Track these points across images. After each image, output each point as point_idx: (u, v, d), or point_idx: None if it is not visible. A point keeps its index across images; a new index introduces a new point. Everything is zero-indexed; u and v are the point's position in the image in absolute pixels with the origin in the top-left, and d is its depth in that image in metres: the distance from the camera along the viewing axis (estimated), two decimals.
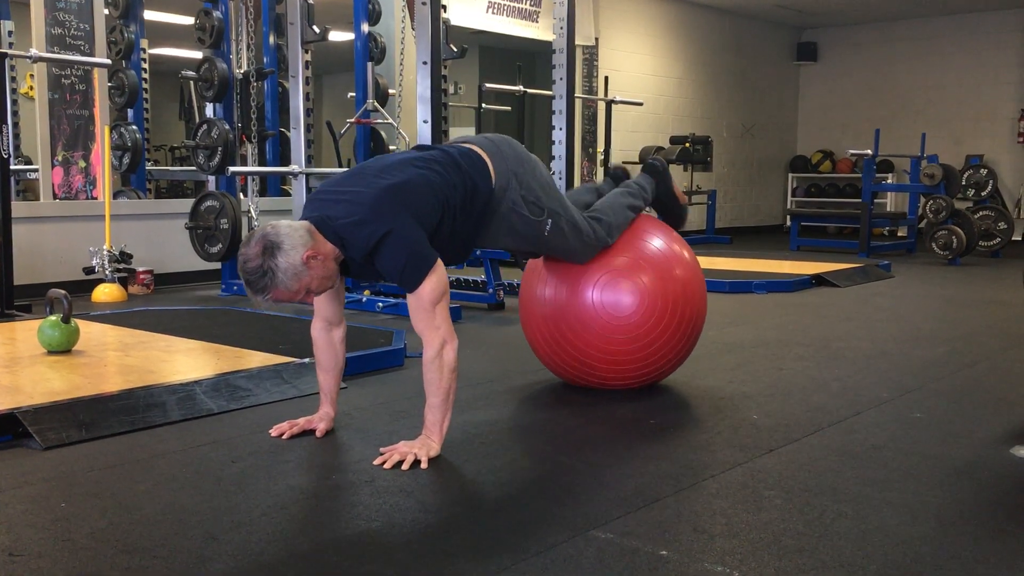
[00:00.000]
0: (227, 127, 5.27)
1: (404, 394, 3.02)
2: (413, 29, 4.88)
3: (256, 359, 3.27)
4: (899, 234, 10.65)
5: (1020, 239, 10.32)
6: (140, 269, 5.57)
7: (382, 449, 2.33)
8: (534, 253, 3.03)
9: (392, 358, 3.43)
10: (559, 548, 1.77)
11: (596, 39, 9.52)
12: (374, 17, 6.43)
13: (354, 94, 6.30)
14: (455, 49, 5.83)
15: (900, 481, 2.20)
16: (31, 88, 6.82)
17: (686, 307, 2.96)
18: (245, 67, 5.89)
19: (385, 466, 2.24)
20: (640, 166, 3.39)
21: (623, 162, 9.86)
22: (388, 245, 2.24)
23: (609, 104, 8.77)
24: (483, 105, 8.09)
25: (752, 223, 12.26)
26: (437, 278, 2.27)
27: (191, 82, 7.34)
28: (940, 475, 2.25)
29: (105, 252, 5.31)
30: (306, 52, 5.25)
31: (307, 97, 5.27)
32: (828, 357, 3.75)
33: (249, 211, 5.68)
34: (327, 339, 2.53)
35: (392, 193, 2.30)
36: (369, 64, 6.17)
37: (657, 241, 3.01)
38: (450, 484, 2.15)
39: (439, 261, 2.30)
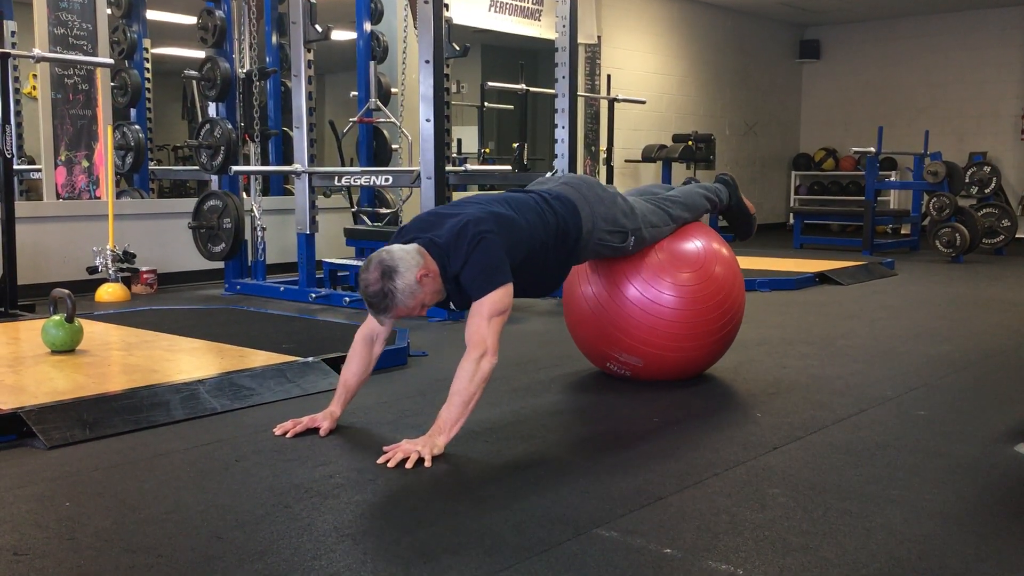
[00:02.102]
0: (230, 126, 5.27)
1: (407, 393, 3.02)
2: (415, 28, 4.88)
3: (259, 358, 3.27)
4: (902, 232, 10.63)
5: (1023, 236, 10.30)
6: (143, 268, 5.58)
7: (385, 448, 2.33)
8: None
9: (395, 357, 3.44)
10: (563, 546, 1.77)
11: (598, 37, 9.51)
12: (376, 16, 6.43)
13: (356, 93, 6.30)
14: (457, 48, 5.83)
15: (904, 479, 2.19)
16: (34, 88, 6.83)
17: (726, 301, 3.14)
18: (248, 66, 5.88)
19: (389, 464, 2.24)
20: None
21: (625, 160, 9.86)
22: (478, 251, 2.40)
23: (612, 102, 8.76)
24: (486, 104, 8.08)
25: None
26: (503, 294, 2.41)
27: (194, 82, 7.33)
28: (944, 473, 2.25)
29: (108, 252, 5.32)
30: (308, 51, 5.25)
31: (310, 96, 5.27)
32: (832, 355, 3.74)
33: (252, 210, 5.68)
34: (367, 347, 2.61)
35: (494, 217, 2.51)
36: (371, 63, 6.17)
37: (699, 241, 3.17)
38: (453, 482, 2.15)
39: (511, 285, 2.44)
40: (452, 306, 2.63)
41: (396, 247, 2.40)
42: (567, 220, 2.74)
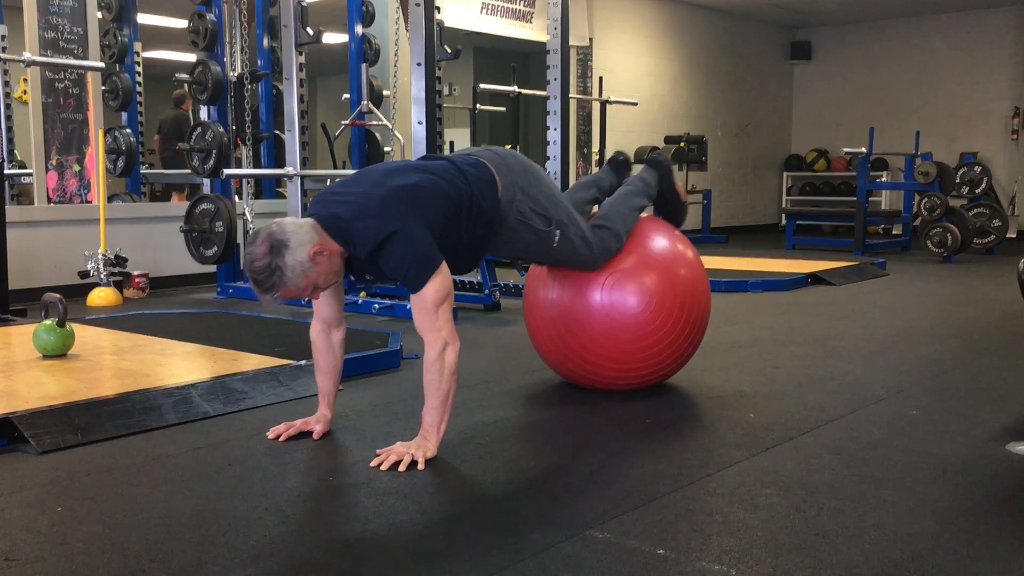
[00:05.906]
0: (221, 130, 5.26)
1: (400, 396, 3.01)
2: (407, 31, 4.88)
3: (252, 362, 3.26)
4: (894, 232, 10.67)
5: (1014, 236, 10.34)
6: (135, 272, 5.56)
7: (378, 451, 2.33)
8: (541, 263, 3.04)
9: (388, 360, 3.43)
10: (557, 548, 1.77)
11: (590, 39, 9.52)
12: (368, 19, 6.43)
13: (349, 96, 6.29)
14: (449, 50, 5.83)
15: (897, 478, 2.20)
16: (24, 92, 6.80)
17: (691, 306, 2.97)
18: (239, 70, 5.87)
19: (382, 467, 2.23)
20: (635, 166, 3.43)
21: None
22: (395, 244, 2.24)
23: (604, 104, 8.78)
24: (478, 106, 8.07)
25: (747, 222, 12.28)
26: (441, 279, 2.27)
27: (185, 85, 7.32)
28: (936, 472, 2.25)
29: (100, 256, 5.30)
30: (300, 54, 5.25)
31: (301, 99, 5.26)
32: (824, 355, 3.75)
33: (244, 214, 5.67)
34: (326, 342, 2.53)
35: (401, 192, 2.30)
36: (363, 66, 6.17)
37: (662, 241, 3.04)
38: (447, 485, 2.15)
39: (444, 264, 2.29)
40: (353, 277, 2.48)
41: (288, 220, 2.25)
42: (482, 188, 2.48)
